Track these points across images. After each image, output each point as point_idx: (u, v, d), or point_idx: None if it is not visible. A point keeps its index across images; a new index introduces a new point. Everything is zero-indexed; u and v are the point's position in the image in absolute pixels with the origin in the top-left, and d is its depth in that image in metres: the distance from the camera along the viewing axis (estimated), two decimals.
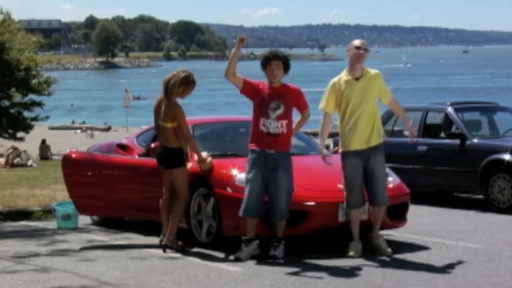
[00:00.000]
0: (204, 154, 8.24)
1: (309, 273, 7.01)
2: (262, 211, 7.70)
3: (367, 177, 7.88)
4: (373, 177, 7.88)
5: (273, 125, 7.69)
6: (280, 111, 7.71)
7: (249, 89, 7.81)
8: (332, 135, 10.66)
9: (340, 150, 7.98)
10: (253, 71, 8.35)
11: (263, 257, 7.61)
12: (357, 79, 7.90)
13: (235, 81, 7.78)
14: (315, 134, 9.37)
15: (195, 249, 8.15)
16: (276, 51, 7.93)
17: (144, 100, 72.65)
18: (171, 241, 8.10)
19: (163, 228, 8.28)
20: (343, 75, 7.97)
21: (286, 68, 7.85)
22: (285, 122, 7.73)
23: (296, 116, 8.01)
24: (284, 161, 7.68)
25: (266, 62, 7.78)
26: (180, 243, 8.14)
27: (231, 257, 7.65)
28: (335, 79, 7.99)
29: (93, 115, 63.39)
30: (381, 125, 8.10)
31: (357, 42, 7.97)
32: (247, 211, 7.65)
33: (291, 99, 7.79)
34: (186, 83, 8.15)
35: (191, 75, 8.20)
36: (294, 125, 7.93)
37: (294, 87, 7.89)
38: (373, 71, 7.97)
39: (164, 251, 8.07)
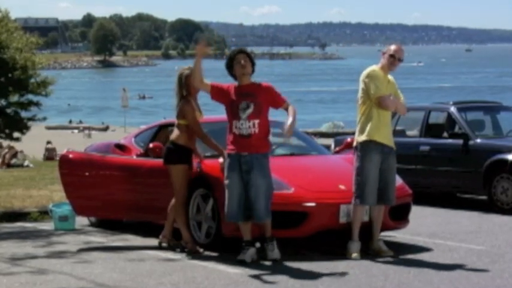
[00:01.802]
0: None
1: (310, 275, 6.95)
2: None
3: (382, 174, 7.83)
4: (389, 175, 7.86)
5: (245, 126, 7.54)
6: (250, 111, 7.55)
7: (218, 93, 7.67)
8: (333, 135, 10.60)
9: (364, 139, 7.80)
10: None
11: (262, 259, 7.55)
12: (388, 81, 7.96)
13: (203, 87, 7.70)
14: (316, 134, 9.33)
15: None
16: (240, 47, 7.83)
17: (150, 99, 72.53)
18: (187, 243, 8.07)
19: (164, 228, 8.23)
20: (377, 68, 7.92)
21: (252, 64, 7.70)
22: (256, 121, 7.55)
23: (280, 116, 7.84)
24: (258, 162, 7.52)
25: (233, 58, 7.63)
26: (199, 248, 8.08)
27: (236, 259, 7.58)
28: (375, 68, 7.91)
29: (90, 115, 63.32)
30: None
31: (393, 47, 7.94)
32: (231, 216, 7.59)
33: (262, 98, 7.59)
34: (185, 81, 8.13)
35: (188, 70, 8.19)
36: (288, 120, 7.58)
37: (264, 84, 7.70)
38: (391, 77, 7.99)
39: (176, 251, 8.04)
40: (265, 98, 7.62)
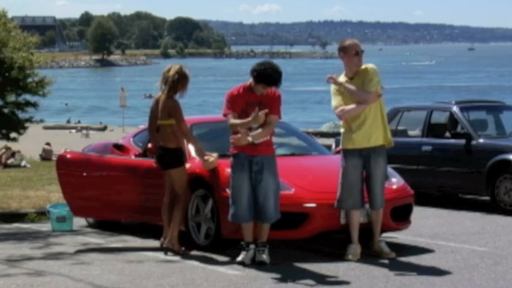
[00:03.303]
0: (214, 154, 8.05)
1: (310, 277, 6.91)
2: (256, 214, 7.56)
3: (367, 179, 7.74)
4: (372, 180, 7.73)
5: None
6: (261, 121, 7.51)
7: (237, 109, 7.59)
8: (333, 135, 10.53)
9: (340, 147, 7.84)
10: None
11: (260, 262, 7.48)
12: (351, 78, 7.75)
13: (235, 124, 7.54)
14: (316, 134, 9.28)
15: (193, 252, 8.04)
16: (278, 76, 7.52)
17: None
18: (173, 244, 7.98)
19: (164, 230, 8.17)
20: (342, 77, 7.84)
21: None
22: None
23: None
24: (269, 163, 7.50)
25: (263, 82, 7.48)
26: (183, 248, 8.01)
27: (235, 261, 7.52)
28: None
29: (88, 114, 63.18)
30: (387, 126, 7.90)
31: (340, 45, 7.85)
32: (236, 217, 7.52)
33: (270, 106, 7.55)
34: (187, 80, 8.08)
35: (186, 69, 8.16)
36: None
37: (273, 92, 7.62)
38: (367, 66, 7.74)
39: (165, 254, 7.96)
40: (271, 105, 7.58)
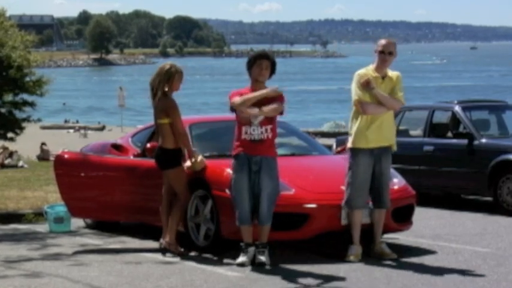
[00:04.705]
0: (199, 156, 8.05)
1: (311, 278, 6.88)
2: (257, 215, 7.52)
3: (375, 178, 7.70)
4: (381, 178, 7.71)
5: (257, 132, 7.46)
6: (261, 117, 7.46)
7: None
8: (334, 134, 10.48)
9: (350, 146, 7.73)
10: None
11: (257, 263, 7.44)
12: (383, 78, 7.74)
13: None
14: (317, 134, 9.25)
15: (193, 253, 8.01)
16: (268, 51, 7.71)
17: None
18: (170, 244, 7.92)
19: (163, 231, 8.13)
20: (371, 71, 7.75)
21: (272, 71, 7.61)
22: (269, 126, 7.50)
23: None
24: (268, 164, 7.45)
25: (255, 60, 7.52)
26: (182, 249, 7.96)
27: (235, 262, 7.48)
28: (361, 71, 7.75)
29: (86, 114, 63.11)
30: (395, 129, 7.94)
31: (382, 43, 7.77)
32: (239, 219, 7.48)
33: (272, 102, 7.50)
34: (170, 76, 7.96)
35: (172, 65, 8.08)
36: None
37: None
38: (394, 73, 7.81)
39: (164, 255, 7.92)
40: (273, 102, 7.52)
